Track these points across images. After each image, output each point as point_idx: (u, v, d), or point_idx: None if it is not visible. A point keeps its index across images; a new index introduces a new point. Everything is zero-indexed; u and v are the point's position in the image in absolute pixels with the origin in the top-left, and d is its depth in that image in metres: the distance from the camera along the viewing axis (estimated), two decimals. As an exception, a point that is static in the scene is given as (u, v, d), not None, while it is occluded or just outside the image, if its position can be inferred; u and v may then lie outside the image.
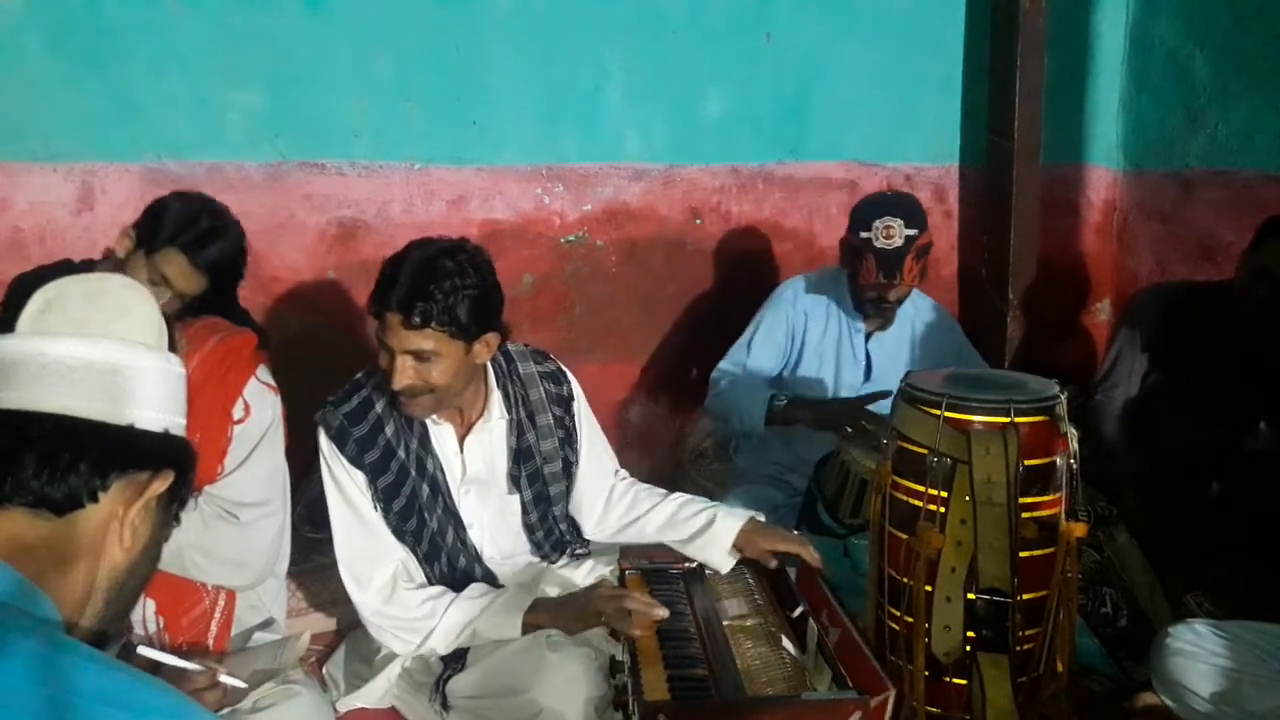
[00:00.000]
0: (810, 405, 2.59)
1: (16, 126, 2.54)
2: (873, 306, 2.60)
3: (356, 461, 1.84)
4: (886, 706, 1.48)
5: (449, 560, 1.94)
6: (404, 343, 1.73)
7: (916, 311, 2.76)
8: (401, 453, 1.89)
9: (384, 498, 1.86)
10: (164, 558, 1.64)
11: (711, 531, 2.01)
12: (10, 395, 0.90)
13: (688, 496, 2.12)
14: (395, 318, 1.72)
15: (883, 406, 2.56)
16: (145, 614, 1.70)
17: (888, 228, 2.42)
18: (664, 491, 2.15)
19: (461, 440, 1.96)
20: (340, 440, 1.84)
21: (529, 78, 3.00)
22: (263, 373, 1.86)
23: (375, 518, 1.87)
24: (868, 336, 2.71)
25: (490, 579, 1.98)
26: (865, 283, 2.52)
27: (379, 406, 1.88)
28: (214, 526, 1.71)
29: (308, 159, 2.84)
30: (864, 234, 2.46)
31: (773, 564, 1.96)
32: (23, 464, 0.87)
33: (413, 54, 2.88)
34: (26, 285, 1.95)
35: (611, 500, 2.15)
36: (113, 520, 0.92)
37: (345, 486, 1.87)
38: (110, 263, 1.97)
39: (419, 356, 1.75)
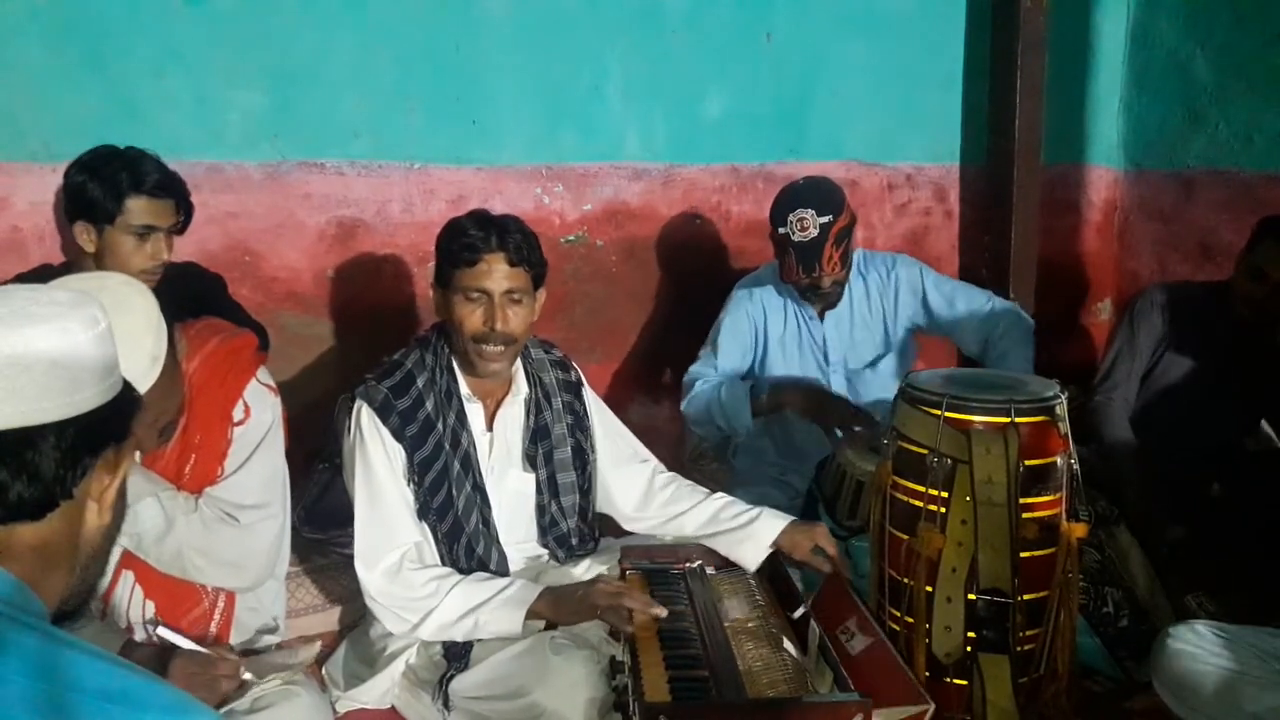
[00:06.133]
0: (796, 390, 2.60)
1: (16, 126, 2.53)
2: (810, 294, 2.62)
3: (398, 434, 1.87)
4: (925, 720, 1.48)
5: (468, 542, 1.94)
6: (503, 282, 1.85)
7: (866, 279, 2.73)
8: (440, 426, 1.92)
9: (418, 472, 1.88)
10: (164, 559, 1.68)
11: (752, 528, 2.03)
12: None
13: (732, 498, 2.13)
14: (498, 257, 1.84)
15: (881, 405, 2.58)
16: (144, 615, 1.70)
17: (800, 220, 2.42)
18: (707, 490, 2.16)
19: (490, 420, 2.00)
20: (384, 412, 1.87)
21: (529, 77, 2.99)
22: (263, 374, 1.85)
23: (399, 497, 1.88)
24: (821, 316, 2.73)
25: (504, 566, 1.98)
26: (790, 280, 2.56)
27: (420, 382, 1.94)
28: (214, 529, 1.71)
29: (307, 158, 2.83)
30: (781, 229, 2.48)
31: (827, 568, 1.98)
32: None
33: (413, 54, 2.87)
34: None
35: (652, 490, 2.16)
36: (89, 501, 0.91)
37: (375, 462, 1.87)
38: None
39: (511, 298, 1.87)
